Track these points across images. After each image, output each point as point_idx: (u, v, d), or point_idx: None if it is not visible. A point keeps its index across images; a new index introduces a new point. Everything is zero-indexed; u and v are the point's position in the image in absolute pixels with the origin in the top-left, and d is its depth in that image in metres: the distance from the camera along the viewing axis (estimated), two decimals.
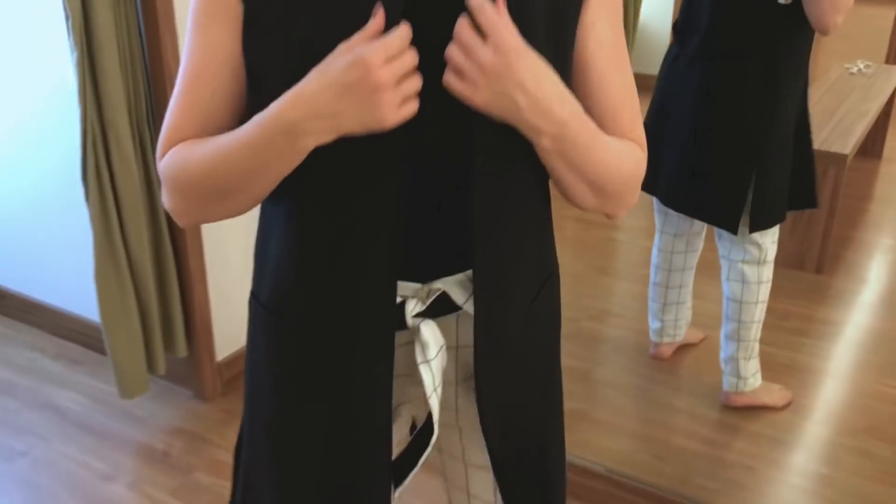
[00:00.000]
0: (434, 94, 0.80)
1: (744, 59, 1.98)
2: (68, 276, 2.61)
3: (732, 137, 2.03)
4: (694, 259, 2.42)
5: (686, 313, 2.50)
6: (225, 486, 2.08)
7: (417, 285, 0.91)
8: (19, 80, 2.40)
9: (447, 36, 0.78)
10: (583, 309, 2.81)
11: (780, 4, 1.88)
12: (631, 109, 0.95)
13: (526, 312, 0.96)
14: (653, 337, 2.53)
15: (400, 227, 0.85)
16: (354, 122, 0.77)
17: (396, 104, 0.77)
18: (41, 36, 2.27)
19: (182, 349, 2.30)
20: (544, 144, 0.84)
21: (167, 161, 0.88)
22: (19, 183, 2.58)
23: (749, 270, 2.17)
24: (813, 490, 2.00)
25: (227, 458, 2.18)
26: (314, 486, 0.97)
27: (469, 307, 0.92)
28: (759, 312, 2.22)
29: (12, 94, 2.45)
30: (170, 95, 2.04)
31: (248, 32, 0.83)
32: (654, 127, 2.18)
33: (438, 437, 1.12)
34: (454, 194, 0.87)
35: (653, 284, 2.47)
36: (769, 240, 2.15)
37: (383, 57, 0.74)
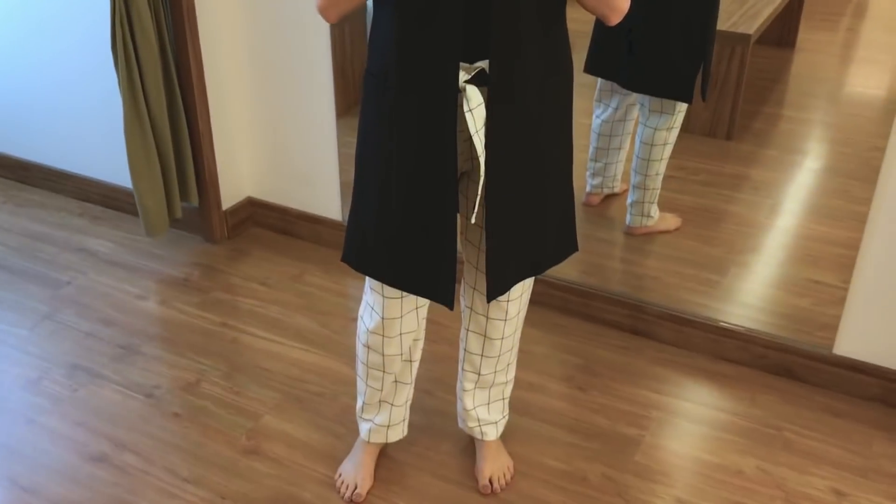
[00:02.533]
0: None
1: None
2: (87, 144, 3.04)
3: (687, 25, 2.51)
4: (631, 125, 2.93)
5: (622, 168, 3.04)
6: (238, 301, 2.58)
7: (466, 64, 1.42)
8: None
9: None
10: None
11: None
12: None
13: (537, 90, 1.47)
14: (590, 189, 3.06)
15: (461, 18, 1.35)
16: None
17: None
18: None
19: (194, 198, 2.77)
20: None
21: None
22: (42, 60, 2.98)
23: (658, 135, 2.70)
24: (704, 291, 2.56)
25: (238, 281, 2.69)
26: (405, 190, 1.50)
27: None
28: (661, 167, 2.76)
29: None
30: None
31: None
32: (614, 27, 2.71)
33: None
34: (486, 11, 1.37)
35: (595, 149, 2.99)
36: (681, 110, 2.67)
37: None
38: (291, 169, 2.84)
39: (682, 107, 2.69)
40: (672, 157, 2.81)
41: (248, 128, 2.86)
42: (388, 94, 1.47)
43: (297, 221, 2.91)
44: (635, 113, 2.91)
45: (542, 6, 1.41)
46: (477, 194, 1.59)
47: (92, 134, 3.00)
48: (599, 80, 2.87)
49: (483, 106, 1.44)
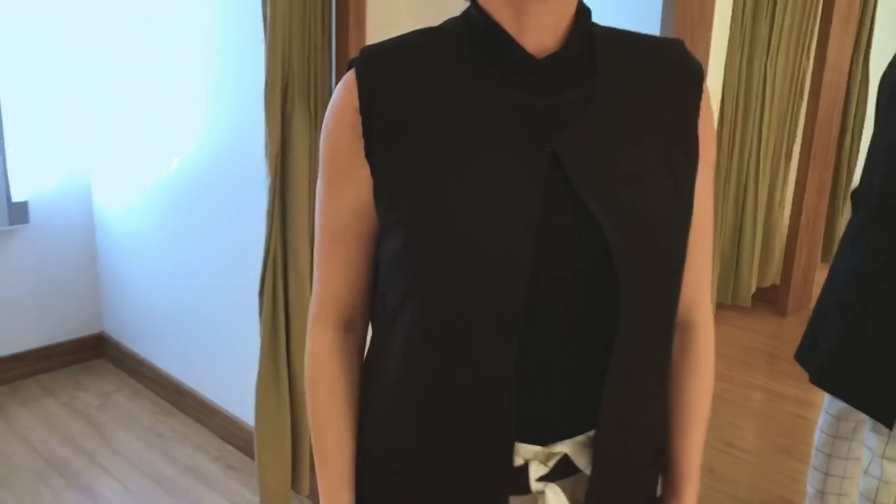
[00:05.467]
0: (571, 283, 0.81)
1: None
2: (239, 380, 2.72)
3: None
4: (860, 450, 2.13)
5: None
6: None
7: (539, 448, 0.86)
8: (217, 193, 2.60)
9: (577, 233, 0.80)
10: (757, 492, 2.55)
11: None
12: (706, 289, 0.97)
13: (640, 471, 0.92)
14: None
15: (512, 388, 0.82)
16: None
17: None
18: (238, 155, 2.46)
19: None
20: None
21: (315, 358, 0.95)
22: (210, 281, 2.76)
23: (891, 468, 1.88)
24: None
25: None
26: None
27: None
28: None
29: (210, 208, 2.65)
30: None
31: (378, 194, 0.84)
32: (822, 301, 2.01)
33: None
34: (582, 359, 0.84)
35: (812, 468, 2.21)
36: None
37: None
38: None
39: None
40: None
41: None
42: (397, 495, 0.92)
43: None
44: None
45: (661, 355, 0.89)
46: None
47: (245, 371, 2.68)
48: None
49: None
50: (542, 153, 0.80)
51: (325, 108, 2.02)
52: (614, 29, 0.90)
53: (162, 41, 2.74)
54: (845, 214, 4.74)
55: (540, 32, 0.82)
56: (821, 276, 4.34)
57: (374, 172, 0.83)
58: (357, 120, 0.84)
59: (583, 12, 0.85)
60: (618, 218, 0.79)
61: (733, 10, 3.66)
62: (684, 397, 0.97)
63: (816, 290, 4.26)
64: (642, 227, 0.80)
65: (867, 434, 1.95)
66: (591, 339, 0.83)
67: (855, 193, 1.96)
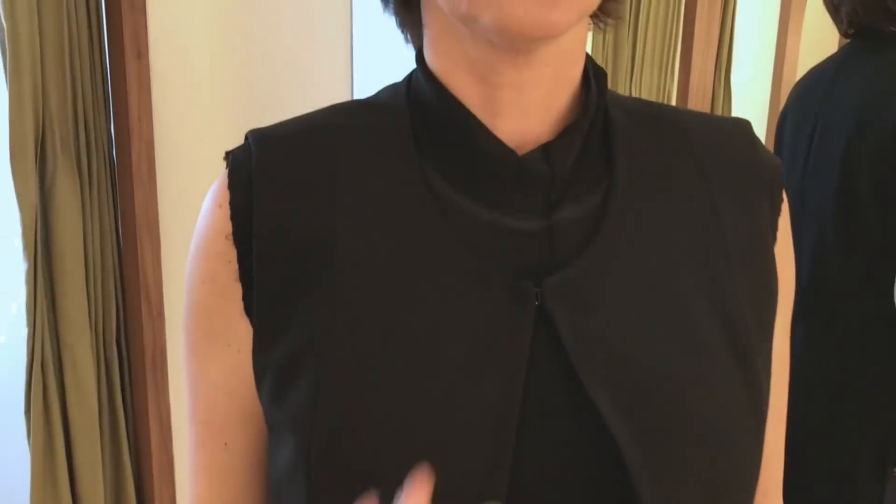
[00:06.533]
0: None
1: (864, 324, 1.42)
2: None
3: (849, 434, 1.47)
4: None
5: None
6: None
7: None
8: None
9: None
10: None
11: None
12: (778, 486, 0.68)
13: None
14: None
15: None
16: None
17: None
18: None
19: None
20: None
21: None
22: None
23: None
24: None
25: None
26: None
27: None
28: None
29: None
30: (145, 313, 1.64)
31: (261, 371, 0.54)
32: None
33: None
34: None
35: None
36: None
37: None
38: None
39: None
40: None
41: None
42: None
43: None
44: None
45: None
46: None
47: None
48: None
49: None
50: (524, 310, 0.51)
51: (101, 162, 1.54)
52: (640, 100, 0.60)
53: None
54: None
55: (522, 112, 0.53)
56: None
57: (257, 335, 0.54)
58: (231, 253, 0.54)
59: (594, 77, 0.56)
60: (645, 419, 0.50)
61: (593, 41, 3.42)
62: None
63: None
64: (687, 431, 0.51)
65: None
66: None
67: None
